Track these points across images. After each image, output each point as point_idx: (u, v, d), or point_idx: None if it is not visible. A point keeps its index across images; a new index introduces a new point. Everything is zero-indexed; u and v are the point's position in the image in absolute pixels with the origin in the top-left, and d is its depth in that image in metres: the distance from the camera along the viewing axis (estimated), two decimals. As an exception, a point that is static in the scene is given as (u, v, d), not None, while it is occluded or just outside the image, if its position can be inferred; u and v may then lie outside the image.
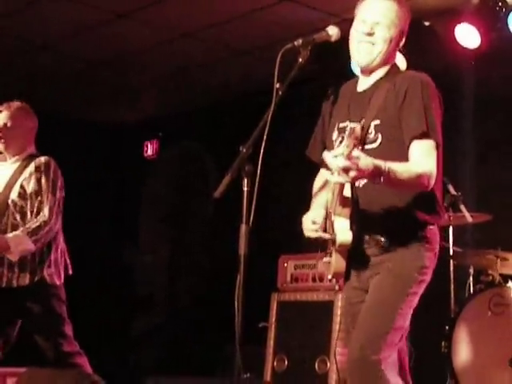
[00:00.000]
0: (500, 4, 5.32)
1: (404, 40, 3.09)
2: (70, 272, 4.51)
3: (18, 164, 4.46)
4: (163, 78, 7.28)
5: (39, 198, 4.32)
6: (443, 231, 5.14)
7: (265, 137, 2.68)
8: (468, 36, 5.55)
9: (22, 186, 4.34)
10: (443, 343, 4.90)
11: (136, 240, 8.42)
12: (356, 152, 2.55)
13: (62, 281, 4.42)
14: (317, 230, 2.96)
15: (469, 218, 5.14)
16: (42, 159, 4.42)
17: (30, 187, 4.34)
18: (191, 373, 6.43)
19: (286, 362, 5.48)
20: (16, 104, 4.56)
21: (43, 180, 4.35)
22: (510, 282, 4.87)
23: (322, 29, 2.98)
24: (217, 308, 5.69)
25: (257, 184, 2.65)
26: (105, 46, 6.66)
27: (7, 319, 4.38)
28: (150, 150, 8.51)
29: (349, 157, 2.53)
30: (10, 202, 4.35)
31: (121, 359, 7.62)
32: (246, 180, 2.66)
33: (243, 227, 2.64)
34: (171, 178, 8.39)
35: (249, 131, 2.74)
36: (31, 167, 4.38)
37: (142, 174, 8.48)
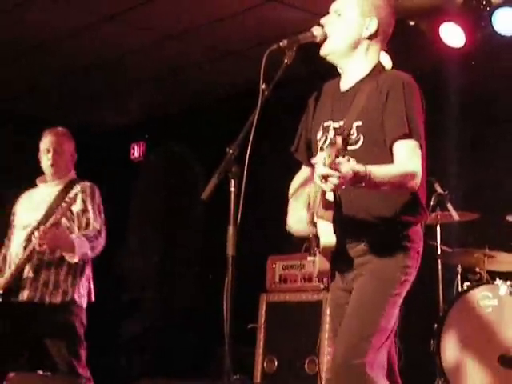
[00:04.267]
0: (484, 3, 5.34)
1: (379, 29, 3.01)
2: (93, 299, 4.61)
3: (60, 187, 4.60)
4: (149, 79, 7.27)
5: (86, 216, 4.45)
6: (430, 230, 5.16)
7: (251, 138, 2.68)
8: (453, 35, 5.56)
9: (71, 207, 4.39)
10: (432, 342, 4.91)
11: (124, 243, 8.40)
12: (337, 159, 2.53)
13: (86, 305, 4.52)
14: (305, 229, 2.95)
15: (456, 216, 5.16)
16: (87, 183, 4.59)
17: (76, 207, 4.44)
18: (181, 375, 6.42)
19: (276, 363, 5.48)
20: (61, 129, 4.71)
21: (89, 201, 4.49)
22: (497, 279, 4.89)
23: (307, 29, 2.98)
24: (206, 310, 5.69)
25: (243, 185, 2.65)
26: (90, 49, 6.64)
27: (33, 334, 4.43)
28: (136, 152, 8.50)
29: (330, 165, 2.52)
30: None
31: (111, 362, 7.59)
32: (232, 181, 2.66)
33: (231, 228, 2.64)
34: (158, 180, 8.38)
35: (235, 132, 2.74)
36: (77, 189, 4.50)
37: (129, 176, 8.46)
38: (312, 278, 5.41)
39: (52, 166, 4.60)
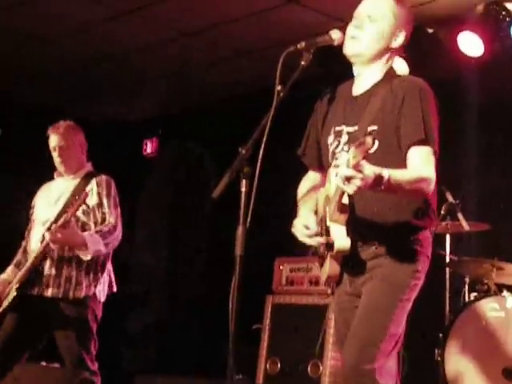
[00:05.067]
0: (503, 13, 5.32)
1: (404, 42, 3.04)
2: (114, 289, 4.62)
3: (77, 181, 4.59)
4: (164, 76, 7.28)
5: (102, 210, 4.44)
6: (440, 239, 5.14)
7: (265, 139, 2.67)
8: (471, 44, 5.55)
9: (85, 203, 4.39)
10: (437, 351, 4.89)
11: (133, 238, 8.41)
12: (361, 162, 2.53)
13: (104, 298, 4.53)
14: (311, 236, 2.94)
15: (466, 226, 5.13)
16: (104, 177, 4.58)
17: (93, 201, 4.45)
18: (184, 373, 6.42)
19: (279, 365, 5.48)
20: (62, 124, 4.67)
21: (105, 194, 4.49)
22: (505, 291, 4.87)
23: (325, 32, 2.97)
24: (212, 309, 5.69)
25: (255, 185, 2.64)
26: (106, 44, 6.65)
27: (48, 327, 4.44)
28: (149, 148, 8.51)
29: (355, 166, 2.52)
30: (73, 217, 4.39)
31: (115, 358, 7.60)
32: (244, 181, 2.65)
33: (240, 228, 2.63)
34: (170, 176, 8.39)
35: (249, 132, 2.73)
36: (92, 184, 4.51)
37: (141, 172, 8.47)
38: (319, 281, 5.40)
39: (61, 162, 4.60)
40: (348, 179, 2.54)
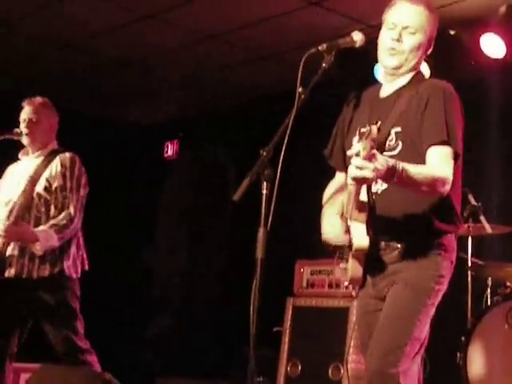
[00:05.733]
0: (526, 14, 5.29)
1: (432, 47, 3.07)
2: (86, 267, 4.55)
3: (41, 158, 4.53)
4: (186, 79, 7.30)
5: (64, 193, 4.39)
6: (462, 242, 5.11)
7: (286, 141, 2.68)
8: (493, 46, 5.52)
9: (47, 180, 4.40)
10: (459, 354, 4.86)
11: (154, 241, 8.43)
12: (373, 150, 2.54)
13: (79, 275, 4.46)
14: (339, 237, 2.94)
15: (488, 229, 5.10)
16: (68, 155, 4.50)
17: (56, 182, 4.40)
18: (204, 375, 6.43)
19: (300, 368, 5.46)
20: (39, 99, 4.63)
21: (68, 176, 4.42)
22: (527, 295, 4.83)
23: (347, 34, 2.97)
24: (232, 311, 5.69)
25: (276, 188, 2.64)
26: (128, 47, 6.69)
27: (24, 310, 4.40)
28: (170, 150, 8.53)
29: (366, 157, 2.52)
30: (35, 194, 4.40)
31: (134, 359, 7.63)
32: (265, 184, 2.65)
33: (261, 231, 2.63)
34: (190, 178, 8.40)
35: (270, 134, 2.73)
36: (56, 162, 4.46)
37: (162, 174, 8.50)
38: (340, 284, 5.38)
39: (27, 135, 4.53)
40: (360, 169, 2.54)
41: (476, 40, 5.55)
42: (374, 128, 2.51)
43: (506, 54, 5.50)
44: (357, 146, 2.59)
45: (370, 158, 2.53)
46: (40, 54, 6.88)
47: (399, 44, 2.98)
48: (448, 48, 5.34)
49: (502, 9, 5.38)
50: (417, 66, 3.06)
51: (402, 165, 2.66)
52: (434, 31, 3.05)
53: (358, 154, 2.55)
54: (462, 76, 5.20)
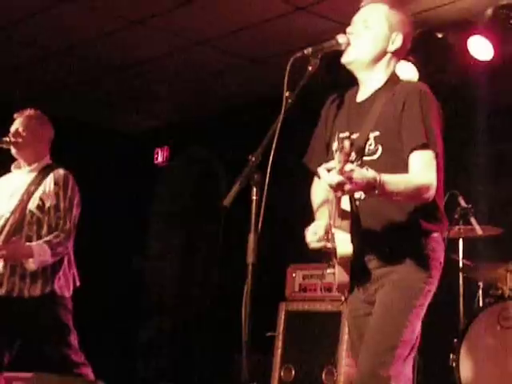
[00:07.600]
0: (513, 16, 5.31)
1: (403, 45, 3.04)
2: (78, 284, 4.51)
3: (34, 174, 4.47)
4: (176, 85, 7.29)
5: (58, 214, 4.34)
6: (453, 244, 5.12)
7: (273, 145, 2.67)
8: (481, 48, 5.54)
9: (40, 199, 4.35)
10: (451, 356, 4.87)
11: (145, 248, 8.42)
12: (349, 166, 2.52)
13: (71, 293, 4.43)
14: (318, 241, 2.94)
15: (479, 230, 5.11)
16: (61, 172, 4.44)
17: (49, 201, 4.35)
18: (198, 382, 6.42)
19: (293, 372, 5.46)
20: (30, 112, 4.57)
21: (61, 196, 4.37)
22: (519, 295, 4.84)
23: (332, 37, 2.97)
24: (224, 317, 5.68)
25: (265, 193, 2.64)
26: (118, 53, 6.68)
27: (16, 329, 4.37)
28: (160, 157, 8.52)
29: (341, 172, 2.51)
30: (27, 212, 4.35)
31: (128, 367, 7.61)
32: (254, 189, 2.65)
33: (251, 236, 2.63)
34: (181, 185, 8.40)
35: (259, 139, 2.73)
36: (50, 180, 4.40)
37: (153, 180, 8.49)
38: (332, 288, 5.38)
39: (14, 145, 4.46)
40: (339, 185, 2.54)
41: (463, 43, 5.56)
42: (347, 143, 2.49)
43: (494, 57, 5.51)
44: (331, 163, 2.58)
45: (346, 172, 2.52)
46: (30, 60, 6.87)
47: (353, 38, 2.98)
48: (435, 51, 5.37)
49: (489, 11, 5.39)
50: (377, 60, 3.02)
51: (382, 178, 2.65)
52: (401, 28, 3.03)
53: (333, 169, 2.55)
54: (449, 78, 5.22)
